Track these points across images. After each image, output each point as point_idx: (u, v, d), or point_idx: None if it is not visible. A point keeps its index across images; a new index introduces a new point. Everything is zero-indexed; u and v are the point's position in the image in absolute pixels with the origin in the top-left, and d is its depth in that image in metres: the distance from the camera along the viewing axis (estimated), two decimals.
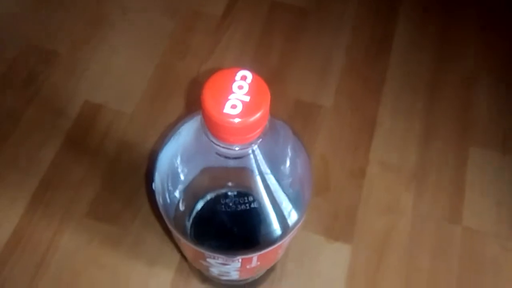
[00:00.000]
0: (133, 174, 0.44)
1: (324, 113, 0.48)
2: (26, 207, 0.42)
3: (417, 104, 0.49)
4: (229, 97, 0.20)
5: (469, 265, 0.42)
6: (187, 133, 0.25)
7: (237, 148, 0.22)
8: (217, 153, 0.22)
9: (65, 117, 0.47)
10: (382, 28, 0.53)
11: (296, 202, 0.26)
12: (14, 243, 0.41)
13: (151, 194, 0.43)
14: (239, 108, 0.20)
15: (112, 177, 0.44)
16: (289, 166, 0.26)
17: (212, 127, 0.21)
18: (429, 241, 0.43)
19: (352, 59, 0.51)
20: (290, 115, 0.47)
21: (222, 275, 0.33)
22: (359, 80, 0.50)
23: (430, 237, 0.43)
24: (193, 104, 0.48)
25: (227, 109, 0.20)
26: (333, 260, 0.42)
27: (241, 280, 0.36)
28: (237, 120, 0.20)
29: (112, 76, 0.49)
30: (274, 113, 0.23)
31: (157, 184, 0.26)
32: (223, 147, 0.22)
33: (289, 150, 0.26)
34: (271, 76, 0.50)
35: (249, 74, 0.21)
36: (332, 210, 0.44)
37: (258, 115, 0.20)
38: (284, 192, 0.25)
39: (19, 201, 0.43)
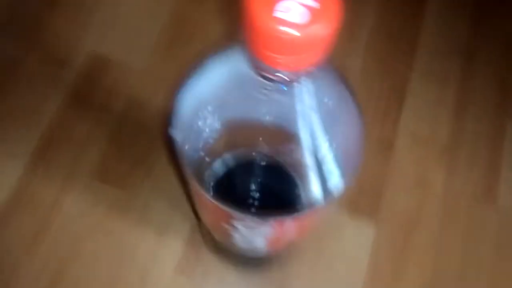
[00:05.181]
0: (142, 133, 0.41)
1: (351, 75, 0.43)
2: (25, 166, 0.39)
3: (452, 70, 0.44)
4: None
5: (504, 251, 0.39)
6: (217, 69, 0.20)
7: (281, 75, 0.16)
8: (257, 81, 0.17)
9: (68, 69, 0.43)
10: None
11: (340, 165, 0.22)
12: (12, 204, 0.38)
13: (162, 152, 0.40)
14: (296, 13, 0.14)
15: (119, 136, 0.41)
16: (338, 119, 0.21)
17: (254, 38, 0.15)
18: (461, 221, 0.39)
19: (382, 18, 0.46)
20: None
21: (245, 244, 0.28)
22: (389, 41, 0.45)
23: (461, 217, 0.40)
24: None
25: (279, 13, 0.15)
26: (356, 238, 0.39)
27: (260, 254, 0.33)
28: (290, 30, 0.14)
29: (120, 23, 0.45)
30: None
31: (177, 132, 0.22)
32: (264, 71, 0.16)
33: (337, 100, 0.21)
34: None
35: None
36: (356, 182, 0.40)
37: (323, 26, 0.14)
38: (329, 149, 0.21)
39: (18, 158, 0.39)
